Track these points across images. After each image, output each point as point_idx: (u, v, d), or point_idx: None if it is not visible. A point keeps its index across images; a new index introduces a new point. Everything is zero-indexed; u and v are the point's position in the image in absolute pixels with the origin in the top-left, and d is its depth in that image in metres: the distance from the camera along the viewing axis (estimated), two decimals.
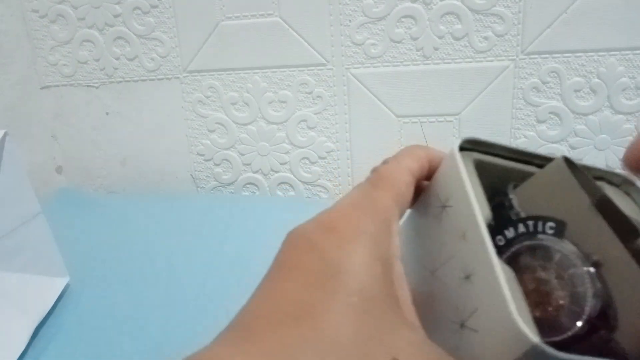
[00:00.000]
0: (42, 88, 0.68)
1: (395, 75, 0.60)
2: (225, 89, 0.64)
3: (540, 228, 0.21)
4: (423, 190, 0.25)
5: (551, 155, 0.25)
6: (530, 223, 0.22)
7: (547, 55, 0.57)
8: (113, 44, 0.65)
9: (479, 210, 0.21)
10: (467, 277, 0.21)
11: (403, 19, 0.58)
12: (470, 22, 0.57)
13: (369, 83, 0.61)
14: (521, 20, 0.56)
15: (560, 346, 0.18)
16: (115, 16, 0.63)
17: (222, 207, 0.62)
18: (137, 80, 0.66)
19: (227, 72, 0.63)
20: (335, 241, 0.19)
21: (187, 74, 0.64)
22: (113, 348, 0.42)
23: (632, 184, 0.25)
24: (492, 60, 0.57)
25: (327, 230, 0.20)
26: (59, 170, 0.71)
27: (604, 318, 0.19)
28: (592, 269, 0.20)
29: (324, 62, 0.61)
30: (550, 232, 0.21)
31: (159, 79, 0.65)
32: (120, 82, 0.66)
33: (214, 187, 0.69)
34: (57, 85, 0.68)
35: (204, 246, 0.53)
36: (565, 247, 0.21)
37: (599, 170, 0.25)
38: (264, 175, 0.67)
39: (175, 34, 0.63)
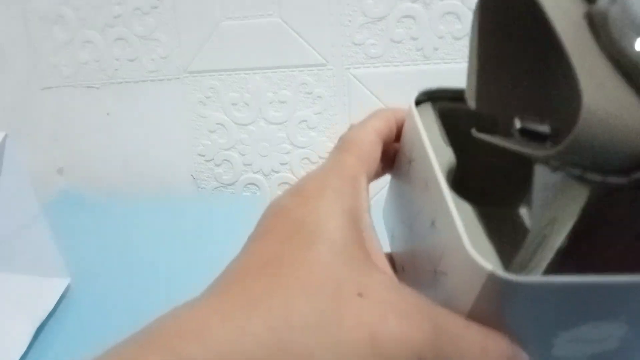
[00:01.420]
0: (42, 89, 0.68)
1: (395, 75, 0.60)
2: (226, 89, 0.64)
3: None
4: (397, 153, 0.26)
5: None
6: None
7: None
8: (113, 44, 0.65)
9: (434, 158, 0.22)
10: (433, 224, 0.21)
11: (403, 19, 0.58)
12: (470, 22, 0.57)
13: (369, 83, 0.61)
14: None
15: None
16: (116, 17, 0.63)
17: (222, 207, 0.62)
18: (137, 81, 0.66)
19: (228, 73, 0.63)
20: (301, 201, 0.21)
21: (188, 75, 0.64)
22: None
23: None
24: None
25: (294, 194, 0.22)
26: (60, 171, 0.71)
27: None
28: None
29: (324, 62, 0.61)
30: None
31: (159, 80, 0.65)
32: (121, 83, 0.66)
33: (215, 188, 0.69)
34: (58, 87, 0.68)
35: (204, 247, 0.53)
36: None
37: None
38: (265, 175, 0.67)
39: (175, 35, 0.63)
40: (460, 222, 0.19)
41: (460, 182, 0.22)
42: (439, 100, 0.25)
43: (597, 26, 0.18)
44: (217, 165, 0.68)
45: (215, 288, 0.18)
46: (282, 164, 0.66)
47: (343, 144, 0.24)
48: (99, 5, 0.63)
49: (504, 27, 0.23)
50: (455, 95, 0.25)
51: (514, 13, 0.22)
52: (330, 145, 0.64)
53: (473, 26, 0.24)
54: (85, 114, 0.69)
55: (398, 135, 0.26)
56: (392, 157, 0.27)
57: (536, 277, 0.17)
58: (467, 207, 0.20)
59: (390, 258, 0.27)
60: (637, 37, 0.17)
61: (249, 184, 0.68)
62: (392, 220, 0.28)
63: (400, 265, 0.26)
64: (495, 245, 0.20)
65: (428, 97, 0.25)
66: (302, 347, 0.16)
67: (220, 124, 0.66)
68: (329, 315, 0.17)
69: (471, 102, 0.23)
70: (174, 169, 0.69)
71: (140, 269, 0.52)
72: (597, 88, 0.17)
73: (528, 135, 0.22)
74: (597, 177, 0.18)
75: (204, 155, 0.67)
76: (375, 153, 0.24)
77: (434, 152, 0.22)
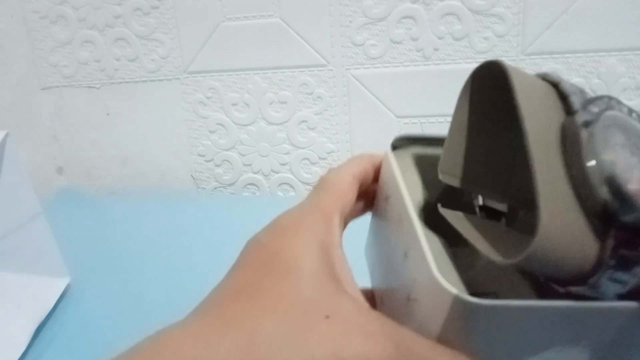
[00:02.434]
0: (42, 89, 0.68)
1: (395, 75, 0.60)
2: (226, 89, 0.64)
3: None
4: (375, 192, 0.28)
5: None
6: None
7: (547, 56, 0.57)
8: (114, 44, 0.65)
9: (406, 193, 0.23)
10: (405, 254, 0.23)
11: (403, 20, 0.58)
12: (470, 23, 0.57)
13: (369, 84, 0.61)
14: (521, 21, 0.56)
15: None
16: (116, 17, 0.63)
17: (222, 207, 0.62)
18: (137, 81, 0.66)
19: (228, 73, 0.63)
20: (276, 236, 0.23)
21: (188, 75, 0.64)
22: (113, 348, 0.42)
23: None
24: None
25: (271, 230, 0.23)
26: (59, 170, 0.71)
27: None
28: None
29: (324, 62, 0.61)
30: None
31: (159, 80, 0.65)
32: (121, 83, 0.66)
33: (215, 188, 0.69)
34: (58, 86, 0.68)
35: (204, 247, 0.53)
36: None
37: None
38: (265, 175, 0.67)
39: (175, 35, 0.63)
40: (429, 250, 0.20)
41: (438, 220, 0.23)
42: (414, 144, 0.27)
43: (567, 143, 0.20)
44: (217, 166, 0.68)
45: (193, 314, 0.20)
46: (282, 165, 0.66)
47: (321, 184, 0.26)
48: (99, 5, 0.63)
49: (485, 108, 0.24)
50: (430, 142, 0.27)
51: (496, 103, 0.23)
52: (331, 145, 0.64)
53: (460, 104, 0.25)
54: (85, 114, 0.69)
55: (376, 177, 0.28)
56: (372, 197, 0.29)
57: (497, 300, 0.18)
58: (436, 239, 0.21)
59: (371, 293, 0.29)
60: (594, 169, 0.18)
61: (249, 184, 0.68)
62: (372, 257, 0.30)
63: (379, 298, 0.28)
64: (467, 276, 0.21)
65: (404, 143, 0.27)
66: None
67: (220, 124, 0.66)
68: (296, 335, 0.19)
69: (443, 176, 0.25)
70: (174, 169, 0.69)
71: (140, 268, 0.52)
72: (554, 212, 0.18)
73: (487, 211, 0.25)
74: (559, 288, 0.19)
75: (204, 156, 0.67)
76: (350, 193, 0.26)
77: (407, 189, 0.24)
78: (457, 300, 0.18)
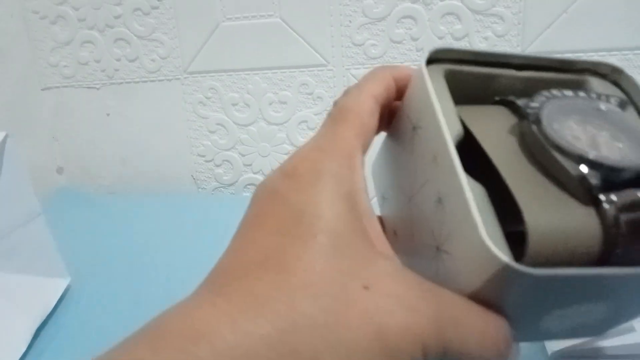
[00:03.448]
0: (42, 89, 0.68)
1: None
2: (226, 89, 0.64)
3: (603, 98, 0.22)
4: (396, 111, 0.24)
5: (529, 55, 0.25)
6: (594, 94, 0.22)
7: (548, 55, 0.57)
8: (114, 45, 0.65)
9: (448, 132, 0.20)
10: (439, 201, 0.21)
11: (403, 20, 0.58)
12: (470, 23, 0.57)
13: None
14: (521, 21, 0.56)
15: None
16: (116, 17, 0.63)
17: (222, 208, 0.62)
18: (137, 81, 0.66)
19: (228, 73, 0.63)
20: (297, 185, 0.20)
21: (188, 75, 0.64)
22: None
23: (620, 72, 0.25)
24: None
25: (288, 176, 0.20)
26: (59, 171, 0.71)
27: None
28: None
29: (325, 62, 0.61)
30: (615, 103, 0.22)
31: (159, 80, 0.65)
32: (121, 83, 0.66)
33: (215, 188, 0.69)
34: (58, 87, 0.68)
35: (204, 247, 0.53)
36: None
37: (584, 62, 0.25)
38: (265, 176, 0.67)
39: (175, 35, 0.63)
40: (475, 207, 0.18)
41: (461, 152, 0.22)
42: (445, 61, 0.24)
43: (527, 145, 0.21)
44: (217, 166, 0.68)
45: (218, 286, 0.18)
46: None
47: (339, 113, 0.22)
48: (99, 5, 0.63)
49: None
50: (463, 57, 0.24)
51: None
52: None
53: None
54: (85, 114, 0.69)
55: (398, 94, 0.24)
56: (388, 116, 0.25)
57: (551, 270, 0.17)
58: (480, 190, 0.20)
59: (380, 219, 0.26)
60: (556, 152, 0.19)
61: (249, 184, 0.68)
62: (384, 182, 0.27)
63: (391, 229, 0.26)
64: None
65: (435, 58, 0.24)
66: (309, 348, 0.16)
67: (220, 125, 0.66)
68: (335, 314, 0.17)
69: None
70: (174, 169, 0.69)
71: (140, 269, 0.52)
72: (536, 208, 0.19)
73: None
74: None
75: (204, 156, 0.67)
76: (372, 124, 0.22)
77: (446, 125, 0.21)
78: (506, 268, 0.17)
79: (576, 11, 0.55)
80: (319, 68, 0.61)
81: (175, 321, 0.16)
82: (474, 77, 0.24)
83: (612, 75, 0.25)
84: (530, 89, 0.23)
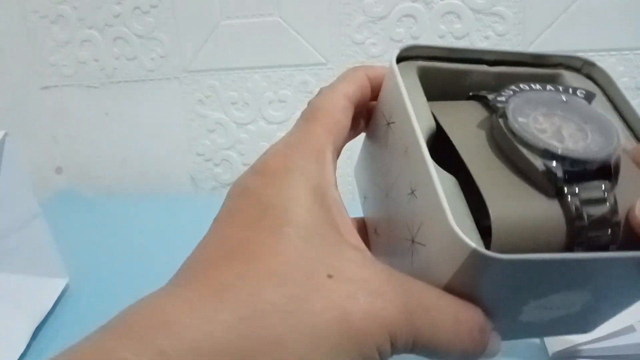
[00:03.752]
0: (41, 88, 0.68)
1: None
2: (225, 88, 0.64)
3: (571, 91, 0.22)
4: (372, 111, 0.25)
5: (502, 50, 0.25)
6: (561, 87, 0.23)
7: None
8: (113, 44, 0.65)
9: (417, 125, 0.21)
10: (412, 192, 0.21)
11: (403, 18, 0.58)
12: (470, 22, 0.57)
13: None
14: (522, 20, 0.56)
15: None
16: (115, 16, 0.63)
17: None
18: (136, 81, 0.66)
19: (227, 72, 0.63)
20: (265, 181, 0.20)
21: (187, 74, 0.64)
22: None
23: (592, 64, 0.25)
24: None
25: (258, 172, 0.21)
26: (58, 170, 0.71)
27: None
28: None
29: (324, 61, 0.61)
30: (581, 96, 0.22)
31: (158, 79, 0.65)
32: (120, 82, 0.66)
33: (214, 188, 0.69)
34: (57, 86, 0.68)
35: None
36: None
37: (557, 56, 0.26)
38: None
39: (175, 34, 0.63)
40: (443, 195, 0.19)
41: (434, 145, 0.22)
42: (418, 58, 0.24)
43: (495, 138, 0.21)
44: (216, 165, 0.67)
45: (183, 277, 0.18)
46: None
47: (311, 111, 0.23)
48: (98, 4, 0.63)
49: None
50: (435, 54, 0.25)
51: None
52: None
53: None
54: (84, 114, 0.68)
55: (374, 93, 0.24)
56: (366, 116, 0.25)
57: (517, 255, 0.18)
58: (450, 180, 0.20)
59: (362, 221, 0.27)
60: (521, 145, 0.20)
61: None
62: (365, 181, 0.27)
63: (372, 228, 0.26)
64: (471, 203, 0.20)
65: (408, 55, 0.24)
66: (272, 333, 0.16)
67: (219, 124, 0.65)
68: (298, 300, 0.17)
69: None
70: (173, 169, 0.69)
71: (139, 268, 0.52)
72: (500, 198, 0.19)
73: None
74: None
75: (203, 155, 0.67)
76: (344, 121, 0.23)
77: (416, 117, 0.21)
78: (474, 253, 0.17)
79: (576, 11, 0.55)
80: (319, 67, 0.61)
81: (137, 313, 0.17)
82: (447, 73, 0.25)
83: (584, 68, 0.26)
84: (503, 84, 0.24)
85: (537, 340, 0.38)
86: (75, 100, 0.68)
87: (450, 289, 0.19)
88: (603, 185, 0.19)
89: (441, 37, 0.57)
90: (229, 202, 0.21)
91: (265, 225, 0.19)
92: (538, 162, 0.19)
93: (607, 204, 0.19)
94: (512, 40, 0.56)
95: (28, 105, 0.66)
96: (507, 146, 0.20)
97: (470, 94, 0.24)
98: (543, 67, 0.26)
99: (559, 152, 0.19)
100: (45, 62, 0.67)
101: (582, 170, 0.19)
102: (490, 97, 0.23)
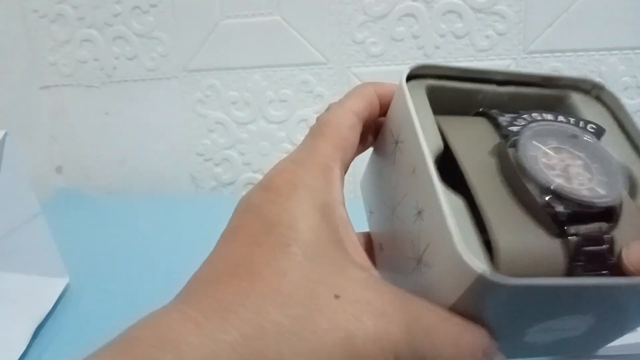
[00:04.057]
0: (41, 88, 0.68)
1: (396, 74, 0.59)
2: (225, 88, 0.64)
3: (581, 124, 0.23)
4: (381, 127, 0.25)
5: (511, 71, 0.25)
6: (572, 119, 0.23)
7: (549, 54, 0.57)
8: (113, 43, 0.64)
9: (426, 147, 0.21)
10: (419, 213, 0.21)
11: (404, 18, 0.58)
12: (471, 21, 0.56)
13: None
14: (523, 19, 0.56)
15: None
16: (115, 15, 0.63)
17: (222, 207, 0.62)
18: (136, 80, 0.66)
19: (227, 72, 0.63)
20: (271, 197, 0.20)
21: (187, 74, 0.64)
22: None
23: (601, 88, 0.25)
24: (493, 59, 0.57)
25: (264, 189, 0.21)
26: (58, 170, 0.71)
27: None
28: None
29: (325, 61, 0.61)
30: (591, 131, 0.22)
31: (158, 79, 0.65)
32: (120, 82, 0.66)
33: (214, 187, 0.68)
34: (57, 85, 0.68)
35: (203, 247, 0.53)
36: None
37: (566, 78, 0.26)
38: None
39: (174, 34, 0.63)
40: (451, 219, 0.19)
41: (443, 166, 0.22)
42: (428, 77, 0.25)
43: (502, 166, 0.21)
44: (217, 165, 0.67)
45: (188, 295, 0.18)
46: None
47: (318, 128, 0.23)
48: (98, 3, 0.63)
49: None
50: (445, 73, 0.25)
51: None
52: None
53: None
54: (84, 113, 0.68)
55: (382, 110, 0.24)
56: (374, 132, 0.25)
57: (527, 279, 0.18)
58: (458, 201, 0.20)
59: (368, 236, 0.27)
60: (527, 180, 0.20)
61: (249, 183, 0.67)
62: (371, 197, 0.28)
63: (378, 243, 0.26)
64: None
65: (418, 74, 0.24)
66: (276, 354, 0.16)
67: (219, 123, 0.65)
68: (303, 321, 0.17)
69: None
70: (173, 169, 0.68)
71: (139, 268, 0.52)
72: (505, 224, 0.19)
73: None
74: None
75: (203, 155, 0.67)
76: (352, 138, 0.23)
77: (425, 138, 0.21)
78: (481, 278, 0.17)
79: (577, 10, 0.55)
80: (319, 66, 0.61)
81: (143, 329, 0.17)
82: (457, 92, 0.25)
83: (594, 91, 0.26)
84: (512, 103, 0.24)
85: None
86: (75, 99, 0.68)
87: (455, 310, 0.19)
88: (603, 228, 0.20)
89: (442, 36, 0.57)
90: (234, 219, 0.21)
91: (270, 243, 0.19)
92: (543, 201, 0.20)
93: (605, 246, 0.19)
94: (513, 39, 0.56)
95: (28, 104, 0.66)
96: (514, 179, 0.21)
97: (480, 109, 0.25)
98: (552, 88, 0.26)
99: (566, 194, 0.19)
100: (45, 61, 0.67)
101: (585, 213, 0.19)
102: (501, 120, 0.23)
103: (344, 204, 0.21)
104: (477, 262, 0.18)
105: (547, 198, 0.19)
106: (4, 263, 0.46)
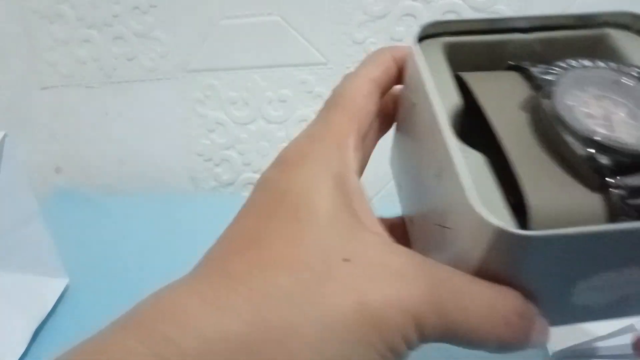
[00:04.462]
0: (41, 88, 0.68)
1: None
2: (225, 88, 0.64)
3: (624, 69, 0.21)
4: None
5: (533, 15, 0.23)
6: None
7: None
8: (112, 43, 0.64)
9: (437, 102, 0.20)
10: (438, 175, 0.20)
11: (404, 17, 0.58)
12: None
13: None
14: None
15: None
16: (114, 16, 0.63)
17: (221, 207, 0.62)
18: (136, 80, 0.66)
19: (227, 71, 0.63)
20: (284, 169, 0.20)
21: (186, 74, 0.64)
22: None
23: None
24: None
25: (277, 164, 0.21)
26: (57, 170, 0.71)
27: None
28: None
29: (324, 60, 0.61)
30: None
31: (158, 79, 0.65)
32: (120, 82, 0.66)
33: (214, 188, 0.68)
34: (56, 86, 0.68)
35: (203, 247, 0.53)
36: None
37: (602, 14, 0.23)
38: None
39: (174, 34, 0.63)
40: (466, 173, 0.18)
41: (472, 126, 0.21)
42: (444, 34, 0.23)
43: (536, 120, 0.19)
44: (216, 165, 0.67)
45: (198, 269, 0.18)
46: None
47: (333, 98, 0.22)
48: (97, 3, 0.63)
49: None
50: (462, 28, 0.23)
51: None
52: None
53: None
54: (83, 113, 0.68)
55: (400, 75, 0.24)
56: (397, 104, 0.24)
57: (549, 230, 0.16)
58: (477, 157, 0.19)
59: (398, 221, 0.26)
60: (565, 131, 0.18)
61: (249, 183, 0.67)
62: (398, 171, 0.26)
63: (409, 220, 0.25)
64: (513, 194, 0.18)
65: (433, 33, 0.23)
66: (284, 321, 0.16)
67: (219, 123, 0.65)
68: (313, 286, 0.16)
69: None
70: (173, 169, 0.68)
71: (139, 268, 0.52)
72: (540, 189, 0.18)
73: None
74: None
75: (202, 155, 0.67)
76: (369, 105, 0.22)
77: (438, 95, 0.20)
78: (499, 232, 0.16)
79: (577, 10, 0.55)
80: (319, 66, 0.61)
81: (147, 305, 0.17)
82: (479, 47, 0.23)
83: (635, 24, 0.23)
84: (546, 51, 0.22)
85: None
86: (75, 100, 0.68)
87: (483, 273, 0.18)
88: None
89: None
90: (250, 196, 0.20)
91: (282, 213, 0.18)
92: (583, 152, 0.18)
93: None
94: None
95: (27, 105, 0.66)
96: (550, 131, 0.19)
97: (510, 63, 0.23)
98: (587, 29, 0.24)
99: (607, 142, 0.18)
100: (44, 61, 0.67)
101: (629, 162, 0.18)
102: (534, 70, 0.21)
103: (358, 173, 0.20)
104: (494, 215, 0.16)
105: (589, 149, 0.18)
106: (4, 263, 0.46)
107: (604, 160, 0.18)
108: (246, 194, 0.67)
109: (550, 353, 0.36)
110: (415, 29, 0.22)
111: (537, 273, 0.18)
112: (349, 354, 0.16)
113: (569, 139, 0.18)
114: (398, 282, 0.17)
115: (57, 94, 0.68)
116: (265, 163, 0.69)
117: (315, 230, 0.18)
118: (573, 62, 0.21)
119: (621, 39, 0.23)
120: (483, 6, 0.56)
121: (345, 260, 0.17)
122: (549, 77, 0.20)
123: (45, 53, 0.66)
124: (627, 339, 0.35)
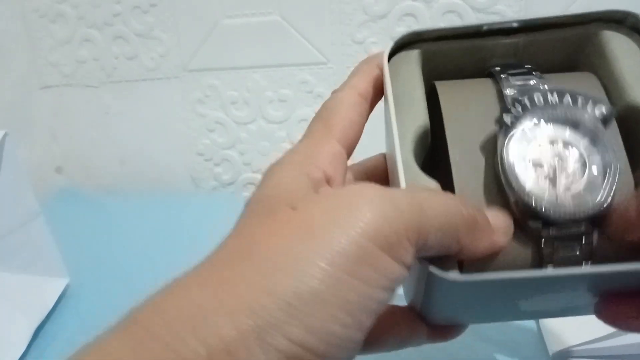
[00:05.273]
0: (41, 88, 0.68)
1: None
2: (225, 87, 0.64)
3: (589, 109, 0.21)
4: None
5: (523, 18, 0.24)
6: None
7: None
8: (112, 43, 0.64)
9: (396, 131, 0.21)
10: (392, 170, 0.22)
11: (404, 17, 0.58)
12: (471, 20, 0.56)
13: None
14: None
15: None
16: (115, 15, 0.63)
17: (222, 207, 0.62)
18: (136, 80, 0.66)
19: (227, 71, 0.63)
20: (263, 179, 0.22)
21: (187, 73, 0.64)
22: None
23: (636, 17, 0.23)
24: None
25: (264, 174, 0.22)
26: (58, 170, 0.71)
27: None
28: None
29: (325, 60, 0.61)
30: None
31: (158, 79, 0.65)
32: (120, 81, 0.66)
33: (214, 187, 0.68)
34: (57, 85, 0.68)
35: (203, 246, 0.53)
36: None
37: (595, 13, 0.24)
38: None
39: (174, 33, 0.63)
40: (402, 169, 0.20)
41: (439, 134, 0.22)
42: (422, 41, 0.24)
43: (490, 157, 0.21)
44: (217, 165, 0.67)
45: (195, 270, 0.19)
46: None
47: (318, 112, 0.24)
48: (98, 3, 0.63)
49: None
50: (440, 35, 0.24)
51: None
52: None
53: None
54: (84, 113, 0.68)
55: None
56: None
57: (473, 275, 0.18)
58: (430, 184, 0.21)
59: None
60: (509, 187, 0.20)
61: (249, 183, 0.67)
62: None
63: None
64: None
65: (410, 41, 0.24)
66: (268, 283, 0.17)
67: (219, 123, 0.65)
68: (295, 242, 0.17)
69: None
70: (173, 168, 0.68)
71: (139, 268, 0.52)
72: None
73: None
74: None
75: (203, 155, 0.67)
76: (354, 116, 0.23)
77: (394, 104, 0.21)
78: (430, 275, 0.19)
79: (577, 10, 0.55)
80: (319, 66, 0.61)
81: (145, 308, 0.18)
82: (458, 53, 0.24)
83: (629, 19, 0.23)
84: (529, 51, 0.23)
85: (537, 340, 0.38)
86: (75, 99, 0.68)
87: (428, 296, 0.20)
88: (584, 238, 0.19)
89: None
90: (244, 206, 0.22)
91: (257, 210, 0.20)
92: (521, 207, 0.19)
93: (578, 252, 0.19)
94: None
95: (28, 104, 0.66)
96: (499, 174, 0.20)
97: (490, 71, 0.23)
98: (577, 26, 0.24)
99: (540, 210, 0.19)
100: (45, 61, 0.67)
101: (564, 223, 0.19)
102: (507, 94, 0.21)
103: (333, 179, 0.21)
104: (432, 266, 0.18)
105: (525, 207, 0.19)
106: (4, 263, 0.46)
107: (535, 224, 0.19)
108: (246, 193, 0.67)
109: (550, 353, 0.36)
110: (388, 44, 0.23)
111: (477, 299, 0.20)
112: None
113: (510, 193, 0.19)
114: (384, 191, 0.18)
115: (58, 93, 0.68)
116: (265, 163, 0.70)
117: (294, 217, 0.18)
118: (537, 98, 0.21)
119: (611, 38, 0.23)
120: (483, 6, 0.56)
121: (294, 209, 0.18)
122: (516, 109, 0.21)
123: (45, 52, 0.66)
124: (627, 339, 0.35)
